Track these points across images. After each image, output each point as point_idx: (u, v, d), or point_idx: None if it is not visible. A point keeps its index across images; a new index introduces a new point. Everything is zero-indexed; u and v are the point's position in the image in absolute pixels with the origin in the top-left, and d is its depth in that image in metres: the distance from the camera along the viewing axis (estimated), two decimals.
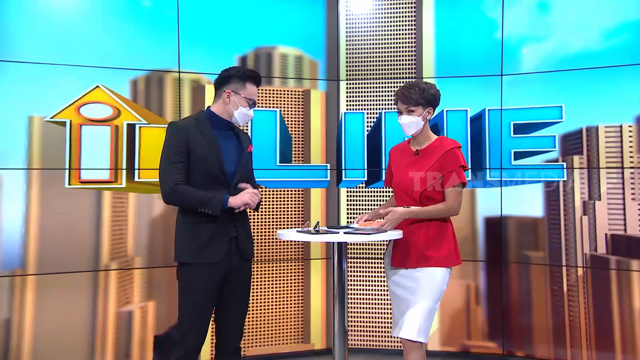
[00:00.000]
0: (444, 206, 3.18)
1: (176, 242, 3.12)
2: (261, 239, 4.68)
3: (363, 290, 4.88)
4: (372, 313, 4.86)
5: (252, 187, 3.18)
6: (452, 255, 3.22)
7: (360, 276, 4.89)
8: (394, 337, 4.05)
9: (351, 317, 4.88)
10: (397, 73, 4.87)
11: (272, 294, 4.76)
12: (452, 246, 3.23)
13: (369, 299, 4.87)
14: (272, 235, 4.71)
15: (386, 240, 3.32)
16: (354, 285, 4.89)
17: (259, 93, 4.63)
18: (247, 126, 4.54)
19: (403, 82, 4.39)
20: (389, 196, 4.28)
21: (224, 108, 3.16)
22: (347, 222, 4.87)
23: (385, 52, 4.91)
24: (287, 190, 4.78)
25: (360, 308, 4.88)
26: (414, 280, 3.16)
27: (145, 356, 4.37)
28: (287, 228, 4.72)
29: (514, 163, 4.61)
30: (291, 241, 4.72)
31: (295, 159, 4.81)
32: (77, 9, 4.27)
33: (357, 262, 4.89)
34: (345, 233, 3.10)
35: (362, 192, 4.90)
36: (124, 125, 4.28)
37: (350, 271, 4.90)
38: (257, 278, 4.63)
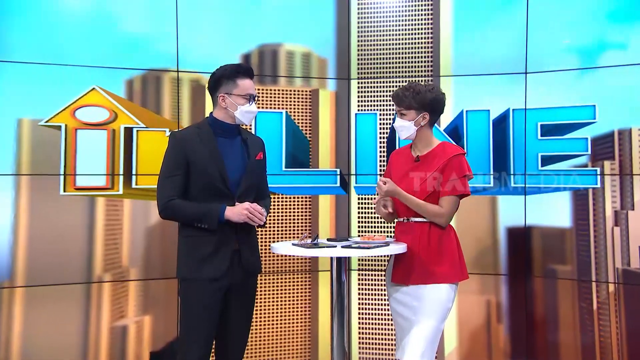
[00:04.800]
0: (437, 210, 2.97)
1: (178, 257, 3.02)
2: (266, 249, 4.43)
3: (376, 304, 4.60)
4: (385, 328, 4.56)
5: (263, 197, 3.11)
6: (457, 269, 3.02)
7: (374, 289, 4.61)
8: None
9: (363, 333, 4.61)
10: (412, 71, 4.59)
11: (278, 308, 4.51)
12: (457, 260, 3.03)
13: (383, 313, 4.57)
14: None
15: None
16: (367, 299, 4.62)
17: (264, 92, 4.54)
18: (251, 128, 4.31)
19: (419, 81, 4.15)
20: None
21: (225, 112, 3.02)
22: (358, 233, 4.59)
23: (400, 48, 4.62)
24: (294, 198, 4.53)
25: (373, 323, 4.60)
26: (416, 298, 2.98)
27: None
28: (294, 238, 4.47)
29: (542, 168, 4.30)
30: None
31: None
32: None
33: (371, 275, 4.61)
34: (342, 247, 2.95)
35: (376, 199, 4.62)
36: (121, 129, 4.11)
37: (364, 284, 4.62)
38: (261, 291, 4.38)
